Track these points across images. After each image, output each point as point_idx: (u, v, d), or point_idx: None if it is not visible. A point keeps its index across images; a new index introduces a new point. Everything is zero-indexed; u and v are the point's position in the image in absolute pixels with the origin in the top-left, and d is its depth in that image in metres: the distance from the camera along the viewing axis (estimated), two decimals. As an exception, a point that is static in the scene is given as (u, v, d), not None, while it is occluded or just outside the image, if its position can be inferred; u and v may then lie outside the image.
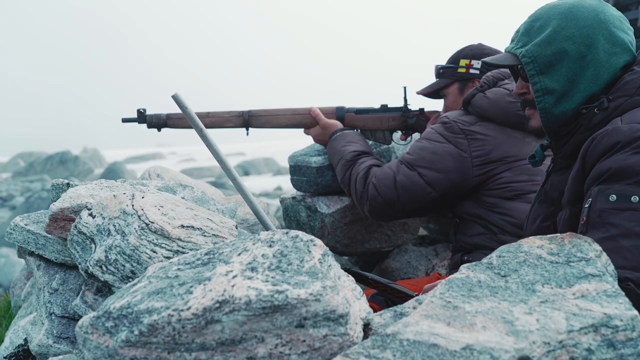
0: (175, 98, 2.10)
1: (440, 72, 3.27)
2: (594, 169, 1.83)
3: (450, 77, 3.24)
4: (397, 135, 3.54)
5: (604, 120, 1.90)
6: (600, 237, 1.71)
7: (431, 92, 3.31)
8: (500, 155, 2.88)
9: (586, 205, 1.82)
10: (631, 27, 2.04)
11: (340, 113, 3.44)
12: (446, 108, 3.30)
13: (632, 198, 1.72)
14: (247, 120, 3.41)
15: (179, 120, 3.38)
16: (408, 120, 3.43)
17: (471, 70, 3.18)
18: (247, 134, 3.46)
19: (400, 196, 2.94)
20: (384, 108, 3.46)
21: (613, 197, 1.74)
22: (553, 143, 2.10)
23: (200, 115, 3.32)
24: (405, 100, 3.44)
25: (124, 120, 3.44)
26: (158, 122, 3.39)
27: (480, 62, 3.11)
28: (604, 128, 1.86)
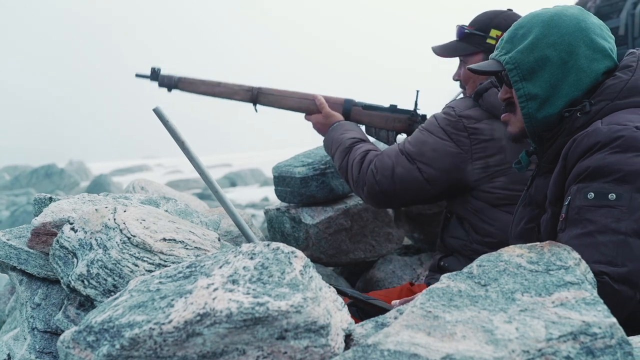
0: (156, 112, 2.11)
1: (466, 35, 2.99)
2: (574, 169, 1.88)
3: (476, 46, 2.96)
4: (401, 137, 3.42)
5: (586, 124, 1.95)
6: (578, 233, 1.78)
7: (450, 56, 3.06)
8: (501, 160, 2.77)
9: (566, 203, 1.87)
10: (612, 35, 2.10)
11: (347, 105, 3.37)
12: (460, 76, 3.06)
13: (609, 196, 1.77)
14: (256, 96, 3.35)
15: (190, 85, 3.34)
16: (413, 125, 3.33)
17: None
18: (256, 110, 3.40)
19: (397, 188, 2.85)
20: (392, 108, 3.38)
21: (591, 195, 1.80)
22: (537, 148, 2.15)
23: (211, 83, 3.32)
24: (416, 104, 3.34)
25: (137, 76, 3.40)
26: (169, 83, 3.35)
27: None
28: (584, 130, 1.91)
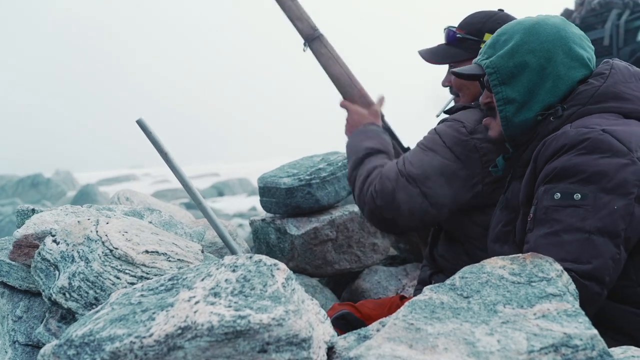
0: (139, 123, 2.10)
1: (457, 40, 2.78)
2: (542, 170, 1.94)
3: (468, 51, 2.74)
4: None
5: (558, 127, 2.02)
6: (544, 233, 1.85)
7: (442, 63, 2.83)
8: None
9: (534, 204, 1.94)
10: (592, 46, 2.18)
11: None
12: (452, 83, 2.82)
13: (574, 195, 1.83)
14: (313, 39, 3.07)
15: None
16: None
17: None
18: (304, 50, 3.10)
19: (400, 215, 2.51)
20: (405, 149, 3.11)
21: (557, 195, 1.86)
22: (514, 152, 2.21)
23: None
24: (394, 136, 3.12)
25: None
26: None
27: None
28: (554, 134, 1.97)
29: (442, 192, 2.47)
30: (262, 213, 3.78)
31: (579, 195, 1.82)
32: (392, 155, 2.77)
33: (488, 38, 2.64)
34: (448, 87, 2.89)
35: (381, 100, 3.03)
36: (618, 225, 1.80)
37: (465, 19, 2.79)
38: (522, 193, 2.04)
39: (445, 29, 2.82)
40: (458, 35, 2.76)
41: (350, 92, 3.03)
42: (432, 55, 2.83)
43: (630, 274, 1.89)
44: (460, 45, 2.77)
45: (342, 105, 3.03)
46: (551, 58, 2.07)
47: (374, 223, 2.67)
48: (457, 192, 2.48)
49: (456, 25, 2.80)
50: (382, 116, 3.03)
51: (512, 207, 2.16)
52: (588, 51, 2.12)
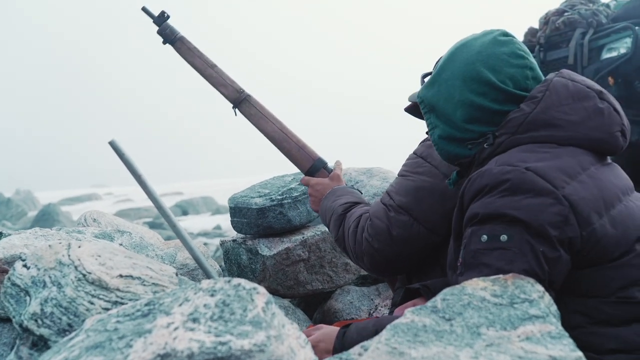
0: (112, 144, 2.07)
1: (423, 81, 2.68)
2: (467, 211, 1.90)
3: None
4: None
5: (491, 155, 1.97)
6: (475, 278, 1.72)
7: (415, 107, 2.72)
8: None
9: (462, 247, 1.88)
10: (528, 64, 2.04)
11: (318, 164, 2.96)
12: None
13: (501, 237, 1.78)
14: (240, 102, 3.02)
15: (187, 50, 3.07)
16: None
17: None
18: (235, 114, 3.07)
19: (401, 251, 2.46)
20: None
21: (484, 237, 1.81)
22: (463, 173, 2.17)
23: (207, 62, 3.06)
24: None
25: (143, 9, 3.11)
26: (169, 36, 3.09)
27: None
28: (479, 169, 1.92)
29: (435, 213, 2.43)
30: (227, 232, 3.75)
31: (505, 237, 1.78)
32: (368, 204, 2.72)
33: None
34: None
35: (338, 164, 2.98)
36: (544, 268, 1.76)
37: None
38: (453, 228, 2.01)
39: (420, 76, 2.83)
40: (423, 76, 2.66)
41: (286, 147, 3.00)
42: (409, 106, 2.76)
43: (562, 318, 1.76)
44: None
45: (302, 182, 2.97)
46: (458, 86, 2.03)
47: (379, 271, 2.60)
48: (450, 210, 2.30)
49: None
50: (322, 163, 2.95)
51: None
52: (506, 72, 2.00)
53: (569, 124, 1.93)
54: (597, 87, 2.03)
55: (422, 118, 2.78)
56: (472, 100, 2.00)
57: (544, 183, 1.79)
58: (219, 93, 3.08)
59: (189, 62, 3.08)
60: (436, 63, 2.76)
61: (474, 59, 2.02)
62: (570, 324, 1.81)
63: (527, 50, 2.09)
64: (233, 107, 3.05)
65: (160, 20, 3.10)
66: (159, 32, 3.11)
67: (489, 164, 1.92)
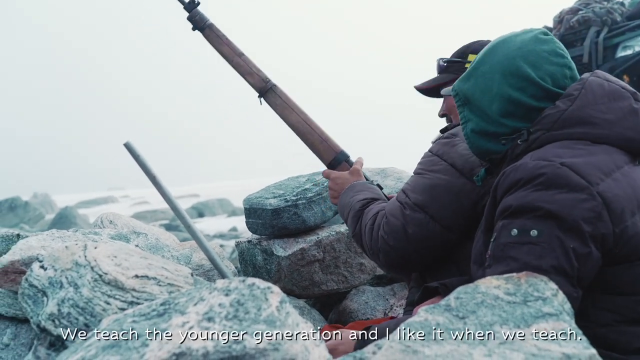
0: (127, 146, 2.08)
1: (444, 66, 2.82)
2: (500, 204, 1.89)
3: (455, 73, 2.72)
4: None
5: (525, 151, 1.96)
6: (502, 271, 1.76)
7: (431, 88, 2.83)
8: None
9: (492, 240, 1.88)
10: (566, 62, 2.04)
11: (341, 157, 2.99)
12: (447, 109, 2.82)
13: (531, 232, 1.78)
14: (266, 91, 3.06)
15: (215, 38, 3.10)
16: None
17: None
18: (260, 103, 3.10)
19: (417, 249, 2.46)
20: (377, 186, 2.94)
21: (514, 232, 1.80)
22: (493, 168, 2.16)
23: (235, 50, 3.09)
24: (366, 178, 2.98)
25: None
26: (198, 22, 3.10)
27: None
28: (514, 163, 1.92)
29: (451, 211, 2.42)
30: (242, 233, 3.77)
31: (536, 232, 1.77)
32: (385, 200, 2.72)
33: (472, 59, 2.62)
34: (444, 117, 2.88)
35: (359, 160, 2.98)
36: (573, 264, 1.74)
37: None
38: (483, 221, 2.01)
39: (436, 61, 2.86)
40: (445, 63, 2.81)
41: (310, 138, 3.03)
42: (423, 84, 2.85)
43: (590, 315, 1.84)
44: (447, 70, 2.80)
45: (324, 175, 2.99)
46: (497, 79, 2.02)
47: (394, 269, 2.62)
48: (467, 208, 2.42)
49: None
50: (364, 173, 2.93)
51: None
52: (545, 69, 2.00)
53: (605, 123, 1.93)
54: (631, 88, 2.03)
55: (433, 96, 2.85)
56: (510, 94, 2.00)
57: (579, 179, 1.78)
58: (245, 83, 3.09)
59: (217, 49, 3.11)
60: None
61: (515, 54, 2.01)
62: (599, 322, 1.82)
63: (566, 50, 2.09)
64: (259, 96, 3.08)
65: (191, 6, 3.12)
66: (188, 19, 3.12)
67: (523, 158, 1.91)
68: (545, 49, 2.03)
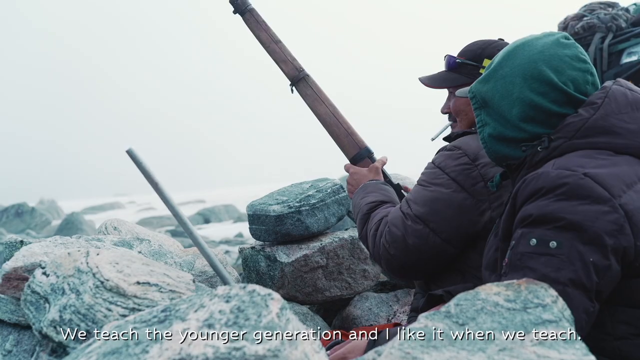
0: (129, 153, 2.09)
1: (456, 65, 2.74)
2: (520, 212, 1.86)
3: (468, 76, 2.69)
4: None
5: (545, 159, 1.93)
6: None
7: (440, 87, 2.80)
8: None
9: (510, 248, 1.85)
10: (587, 67, 2.01)
11: (364, 153, 3.05)
12: (454, 110, 2.77)
13: (550, 243, 1.75)
14: (298, 80, 3.11)
15: (255, 23, 3.13)
16: None
17: None
18: (292, 92, 3.14)
19: (417, 260, 2.48)
20: (397, 187, 2.99)
21: (534, 241, 1.78)
22: (509, 173, 2.13)
23: (272, 37, 3.13)
24: (386, 175, 3.01)
25: None
26: (239, 6, 3.14)
27: None
28: (535, 171, 1.89)
29: (451, 225, 2.43)
30: (248, 239, 3.77)
31: (555, 244, 1.74)
32: (396, 202, 2.73)
33: (487, 63, 2.61)
34: (447, 114, 2.88)
35: (382, 158, 3.00)
36: (592, 278, 1.72)
37: (466, 46, 2.79)
38: (502, 228, 1.97)
39: (445, 57, 2.81)
40: (457, 61, 2.74)
41: (336, 131, 3.07)
42: (432, 81, 2.81)
43: (607, 327, 1.81)
44: (459, 71, 2.75)
45: (344, 168, 3.03)
46: (518, 83, 1.98)
47: (394, 273, 2.63)
48: (467, 223, 2.44)
49: (456, 54, 2.80)
50: (384, 172, 2.97)
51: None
52: (568, 74, 1.97)
53: (628, 133, 1.91)
54: None
55: (441, 87, 2.82)
56: (532, 99, 1.96)
57: (602, 190, 1.76)
58: (279, 70, 3.15)
59: (255, 34, 3.15)
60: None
61: (537, 57, 1.97)
62: (615, 334, 1.80)
63: (587, 55, 2.06)
64: (290, 85, 3.12)
65: None
66: (231, 1, 3.16)
67: (545, 166, 1.89)
68: (568, 53, 2.00)
